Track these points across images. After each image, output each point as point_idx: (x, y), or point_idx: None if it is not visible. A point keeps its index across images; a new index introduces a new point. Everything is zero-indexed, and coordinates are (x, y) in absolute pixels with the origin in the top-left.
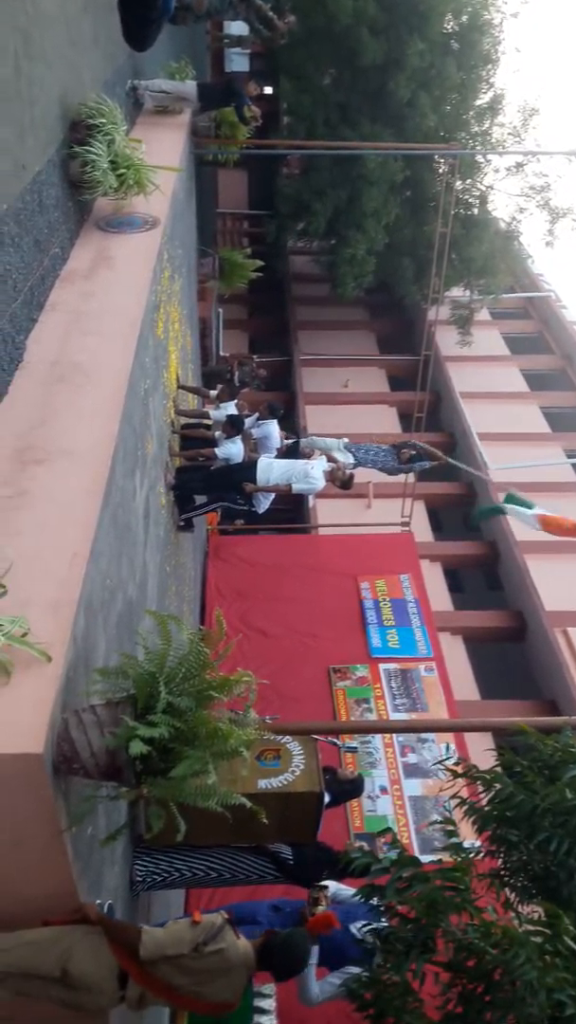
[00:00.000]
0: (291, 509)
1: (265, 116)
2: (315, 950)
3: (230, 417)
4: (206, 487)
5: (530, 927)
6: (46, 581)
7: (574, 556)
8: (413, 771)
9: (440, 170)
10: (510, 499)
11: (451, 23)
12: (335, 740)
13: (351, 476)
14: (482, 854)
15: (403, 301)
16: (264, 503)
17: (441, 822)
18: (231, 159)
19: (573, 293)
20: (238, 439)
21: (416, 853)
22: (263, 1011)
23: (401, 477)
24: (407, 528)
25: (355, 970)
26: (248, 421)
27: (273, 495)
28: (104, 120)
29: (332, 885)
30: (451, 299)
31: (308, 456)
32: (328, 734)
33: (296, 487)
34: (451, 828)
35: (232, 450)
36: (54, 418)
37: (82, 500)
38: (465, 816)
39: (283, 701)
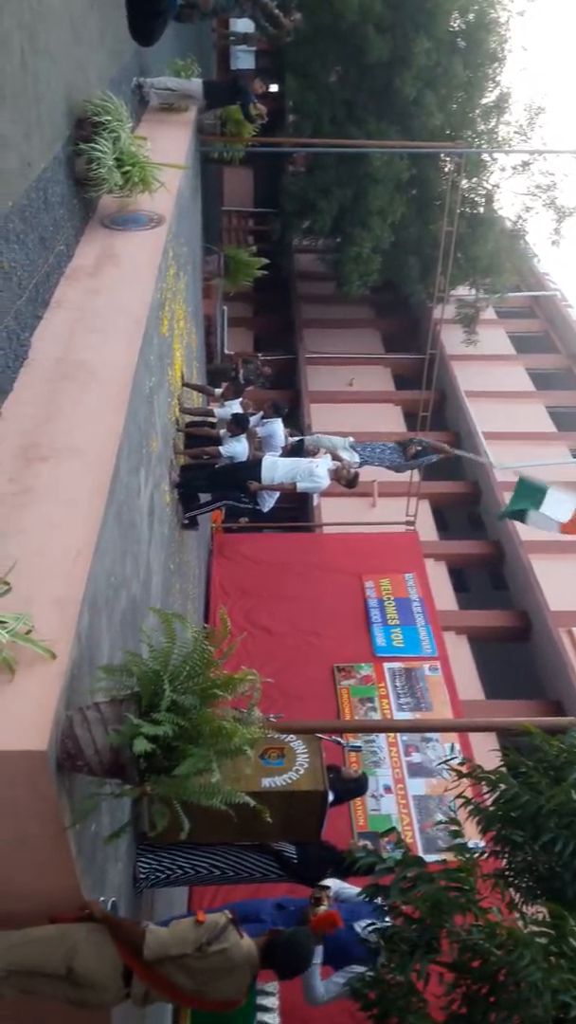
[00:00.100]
0: (296, 507)
1: (271, 114)
2: (319, 949)
3: (235, 415)
4: (210, 485)
5: (535, 928)
6: (50, 578)
7: None
8: (417, 770)
9: (446, 168)
10: (522, 485)
11: (458, 21)
12: (339, 739)
13: (356, 474)
14: (486, 854)
15: (408, 300)
16: (269, 501)
17: (446, 822)
18: (236, 157)
19: None
20: (243, 437)
21: (420, 853)
22: (266, 1009)
23: (406, 475)
24: (412, 527)
25: (360, 969)
26: (253, 419)
27: (278, 493)
28: (110, 117)
29: (335, 883)
30: (457, 298)
31: (313, 454)
32: (332, 733)
33: (301, 485)
34: (455, 828)
35: (237, 448)
36: (59, 416)
37: (87, 498)
38: (470, 816)
39: (287, 699)
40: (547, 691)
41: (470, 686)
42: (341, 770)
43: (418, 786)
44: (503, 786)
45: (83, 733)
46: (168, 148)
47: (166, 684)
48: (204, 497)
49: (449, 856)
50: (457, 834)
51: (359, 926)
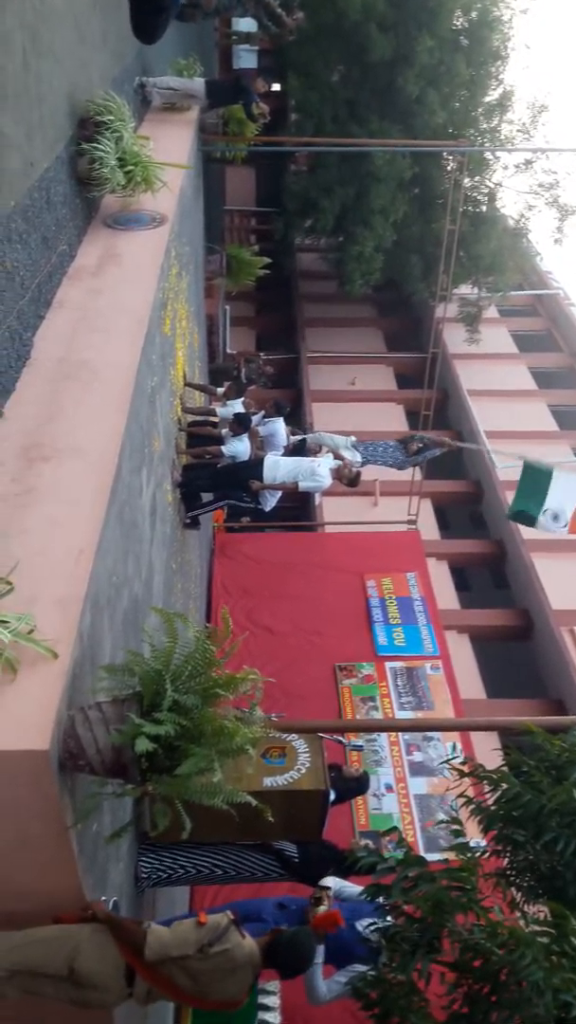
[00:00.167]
0: (298, 507)
1: (273, 113)
2: (321, 949)
3: (237, 415)
4: (213, 485)
5: (536, 927)
6: (53, 578)
7: None
8: (419, 769)
9: (448, 167)
10: (528, 470)
11: (460, 19)
12: (341, 738)
13: (358, 474)
14: (488, 853)
15: (411, 298)
16: (271, 501)
17: (447, 821)
18: (239, 156)
19: None
20: (245, 437)
21: (421, 852)
22: (267, 1008)
23: (407, 474)
24: (414, 526)
25: (362, 968)
26: (254, 419)
27: (280, 493)
28: (112, 117)
29: (336, 882)
30: (459, 296)
31: (315, 452)
32: (334, 732)
33: (303, 485)
34: (457, 828)
35: (239, 448)
36: (61, 415)
37: (89, 497)
38: (472, 815)
39: (289, 699)
40: (549, 690)
41: (472, 685)
42: (342, 769)
43: (419, 785)
44: (505, 785)
45: (85, 733)
46: (170, 147)
47: (168, 684)
48: (206, 496)
49: (451, 855)
50: (459, 833)
51: (361, 925)
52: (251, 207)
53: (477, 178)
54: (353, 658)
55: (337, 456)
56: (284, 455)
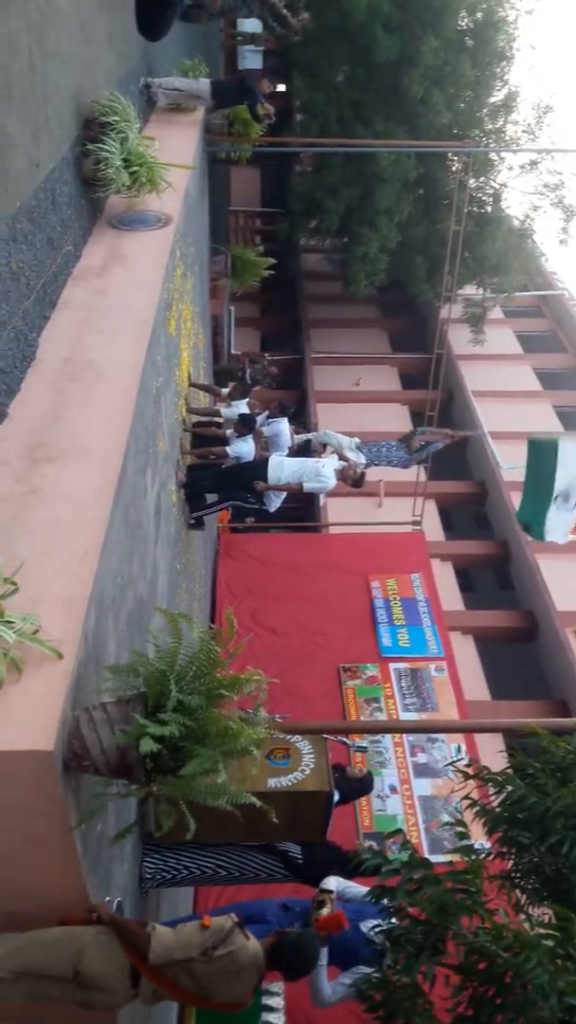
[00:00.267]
0: (302, 507)
1: (278, 113)
2: (324, 951)
3: (242, 415)
4: (217, 485)
5: (541, 930)
6: (57, 578)
7: None
8: (423, 771)
9: (454, 168)
10: (534, 446)
11: (466, 20)
12: (345, 739)
13: (362, 474)
14: (492, 856)
15: (416, 299)
16: (275, 502)
17: (452, 823)
18: (244, 157)
19: None
20: (250, 437)
21: (426, 853)
22: (271, 1009)
23: (412, 475)
24: (418, 527)
25: (367, 970)
26: (258, 419)
27: (284, 494)
28: (117, 118)
29: (341, 882)
30: (464, 297)
31: (319, 453)
32: (338, 733)
33: (307, 486)
34: (462, 830)
35: (243, 448)
36: (66, 416)
37: (94, 498)
38: (476, 817)
39: (293, 700)
40: (553, 691)
41: (476, 686)
42: (346, 769)
43: (424, 786)
44: (510, 787)
45: (89, 733)
46: (176, 148)
47: (172, 684)
48: (211, 497)
49: (455, 857)
50: (464, 835)
51: (365, 926)
52: (256, 208)
53: (482, 179)
54: (357, 659)
55: (341, 457)
56: (289, 455)
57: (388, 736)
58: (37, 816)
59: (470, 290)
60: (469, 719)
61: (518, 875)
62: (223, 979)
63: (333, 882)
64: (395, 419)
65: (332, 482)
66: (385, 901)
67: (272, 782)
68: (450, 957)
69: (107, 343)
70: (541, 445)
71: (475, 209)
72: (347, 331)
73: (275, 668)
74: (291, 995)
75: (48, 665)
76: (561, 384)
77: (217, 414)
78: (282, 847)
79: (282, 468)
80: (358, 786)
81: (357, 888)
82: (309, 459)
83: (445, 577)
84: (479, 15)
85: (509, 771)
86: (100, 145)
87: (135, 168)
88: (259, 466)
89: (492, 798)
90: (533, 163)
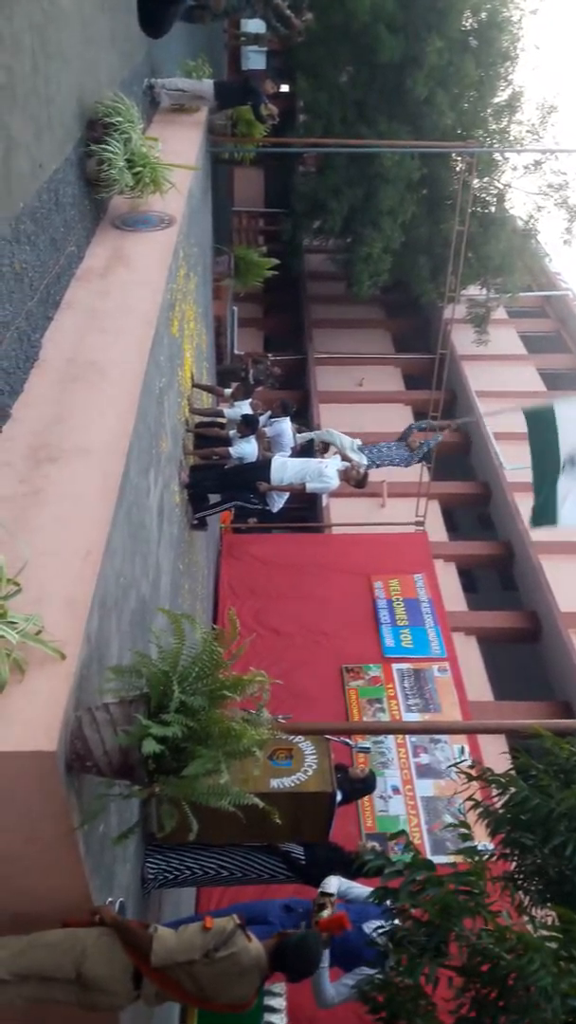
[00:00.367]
0: (305, 508)
1: (282, 114)
2: (326, 952)
3: (245, 416)
4: (220, 486)
5: (545, 932)
6: (60, 579)
7: None
8: (425, 771)
9: (457, 168)
10: (531, 419)
11: (469, 20)
12: (347, 740)
13: (365, 475)
14: (495, 857)
15: (419, 299)
16: (278, 502)
17: (455, 824)
18: (247, 157)
19: None
20: (252, 438)
21: (428, 854)
22: (273, 1010)
23: (415, 475)
24: (421, 527)
25: (369, 971)
26: (261, 420)
27: (287, 494)
28: (121, 118)
29: (343, 883)
30: (467, 298)
31: (322, 453)
32: (341, 734)
33: (310, 486)
34: (465, 831)
35: (246, 449)
36: (69, 416)
37: (96, 498)
38: (479, 819)
39: (295, 700)
40: (556, 692)
41: (479, 687)
42: (349, 770)
43: (426, 787)
44: (513, 789)
45: (92, 734)
46: (179, 149)
47: (175, 685)
48: (214, 498)
49: (458, 859)
50: (467, 836)
51: (368, 927)
52: (259, 208)
53: (486, 179)
54: (360, 660)
55: (344, 457)
56: (291, 456)
57: (391, 737)
58: (39, 817)
59: (474, 290)
60: (472, 720)
61: (521, 877)
62: (225, 981)
63: (334, 884)
64: (398, 420)
65: (335, 483)
66: (388, 902)
67: (275, 783)
68: (453, 959)
69: (110, 344)
70: (538, 414)
71: (479, 209)
72: (350, 331)
73: (278, 669)
74: (293, 996)
75: (51, 666)
76: (565, 384)
77: (220, 415)
78: (284, 848)
79: (285, 469)
80: (360, 786)
81: (360, 889)
82: (312, 460)
83: (448, 578)
84: (483, 15)
85: (512, 772)
86: (103, 146)
87: (138, 169)
88: (262, 467)
89: (495, 799)
90: (537, 163)
